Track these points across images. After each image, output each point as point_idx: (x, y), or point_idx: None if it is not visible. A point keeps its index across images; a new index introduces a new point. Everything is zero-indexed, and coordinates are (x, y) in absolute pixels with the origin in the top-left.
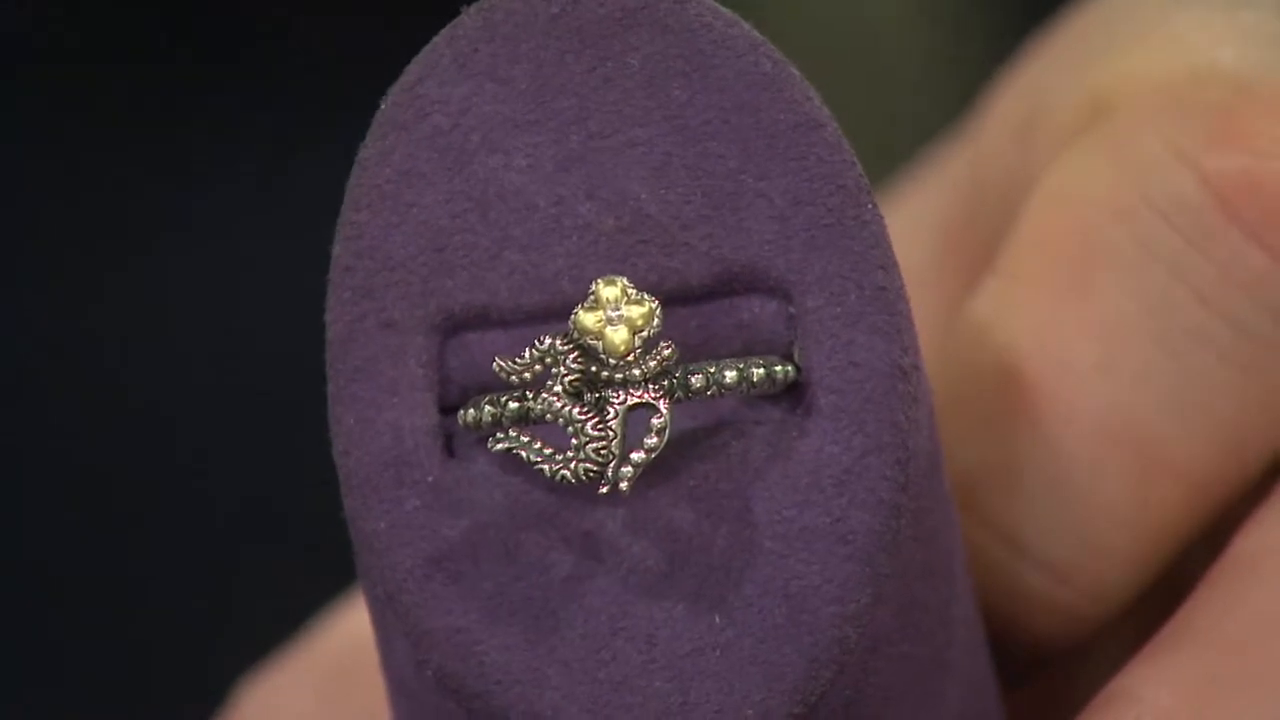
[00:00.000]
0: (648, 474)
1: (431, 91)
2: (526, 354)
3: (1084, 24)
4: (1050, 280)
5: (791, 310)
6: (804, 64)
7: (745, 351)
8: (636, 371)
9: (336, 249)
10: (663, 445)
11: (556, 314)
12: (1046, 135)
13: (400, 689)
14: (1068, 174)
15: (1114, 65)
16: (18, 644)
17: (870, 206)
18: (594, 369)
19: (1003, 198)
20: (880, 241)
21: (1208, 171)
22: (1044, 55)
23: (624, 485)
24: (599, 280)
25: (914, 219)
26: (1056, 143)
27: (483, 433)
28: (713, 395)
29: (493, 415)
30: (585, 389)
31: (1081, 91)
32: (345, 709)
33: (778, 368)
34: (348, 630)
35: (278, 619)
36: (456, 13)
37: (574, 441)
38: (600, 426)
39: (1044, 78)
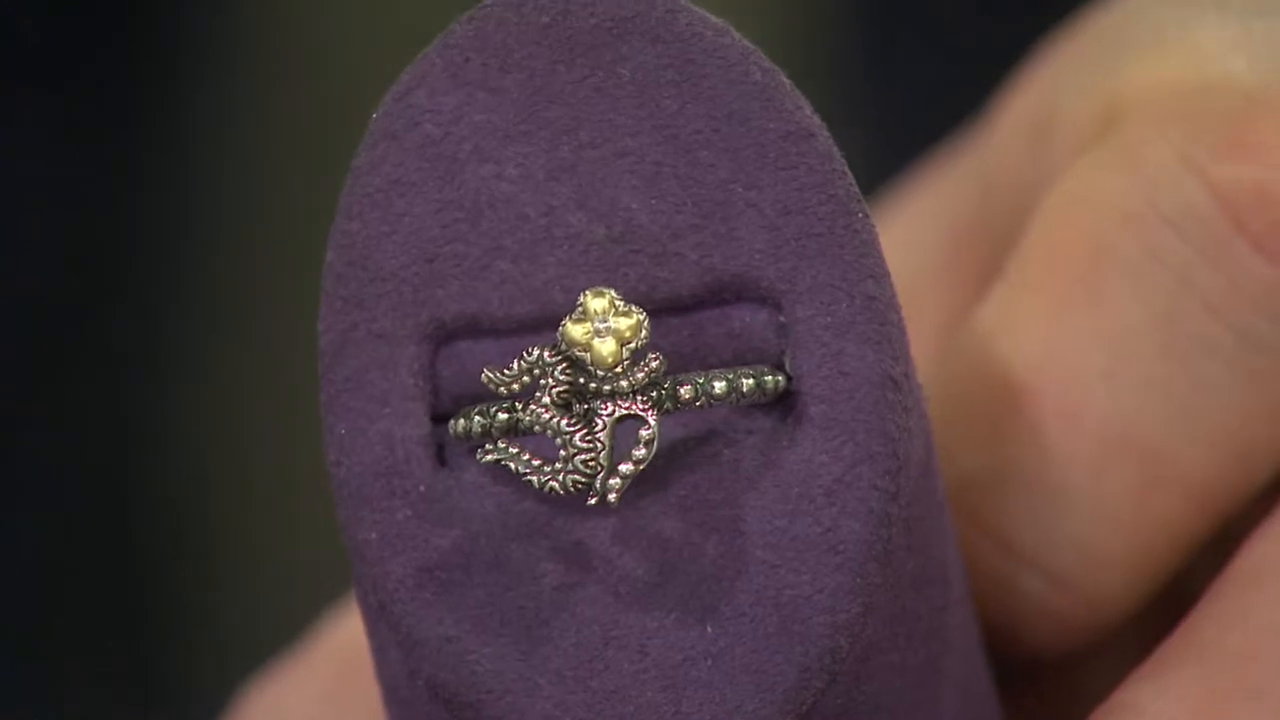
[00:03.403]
0: (638, 483)
1: (423, 101)
2: (515, 365)
3: (1098, 30)
4: (1058, 287)
5: (782, 319)
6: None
7: (736, 360)
8: (625, 383)
9: (329, 258)
10: (651, 457)
11: (548, 323)
12: (1059, 141)
13: (393, 697)
14: (1078, 181)
15: (1127, 72)
16: (18, 647)
17: (861, 216)
18: (582, 381)
19: (1014, 203)
20: (871, 251)
21: (1217, 181)
22: (1058, 60)
23: (612, 497)
24: (587, 292)
25: (923, 221)
26: (1069, 149)
27: (473, 443)
28: (702, 406)
29: (482, 426)
30: (574, 400)
31: (1094, 98)
32: (350, 711)
33: (768, 377)
34: (351, 632)
35: (281, 622)
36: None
37: (562, 453)
38: (588, 438)
39: (1057, 83)
